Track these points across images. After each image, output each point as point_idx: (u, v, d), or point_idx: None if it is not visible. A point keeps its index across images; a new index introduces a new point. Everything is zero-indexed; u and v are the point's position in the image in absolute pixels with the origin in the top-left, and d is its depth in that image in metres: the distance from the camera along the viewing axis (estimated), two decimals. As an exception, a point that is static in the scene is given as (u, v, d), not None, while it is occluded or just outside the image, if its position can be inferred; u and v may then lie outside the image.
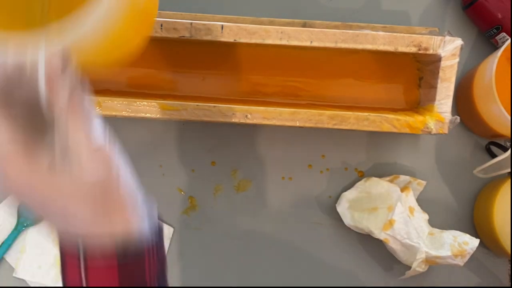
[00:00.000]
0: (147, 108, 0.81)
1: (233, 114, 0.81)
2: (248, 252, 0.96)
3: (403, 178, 0.93)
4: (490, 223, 0.89)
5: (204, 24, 0.79)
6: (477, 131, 0.96)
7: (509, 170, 0.86)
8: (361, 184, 0.93)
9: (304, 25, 0.89)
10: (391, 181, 0.93)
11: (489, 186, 0.95)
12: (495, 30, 0.93)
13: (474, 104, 0.89)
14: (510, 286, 0.95)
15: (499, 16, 0.92)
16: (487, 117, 0.88)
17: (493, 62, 0.82)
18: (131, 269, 0.51)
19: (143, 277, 0.52)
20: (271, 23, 0.89)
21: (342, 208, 0.93)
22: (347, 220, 0.92)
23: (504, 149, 0.92)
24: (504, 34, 0.92)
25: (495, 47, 0.96)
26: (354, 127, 0.82)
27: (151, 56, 0.90)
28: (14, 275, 0.92)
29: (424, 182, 0.93)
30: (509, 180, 0.89)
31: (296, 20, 0.90)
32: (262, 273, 0.96)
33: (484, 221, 0.92)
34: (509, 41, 0.84)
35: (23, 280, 0.92)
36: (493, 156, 0.95)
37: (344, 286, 0.96)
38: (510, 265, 0.95)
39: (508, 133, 0.87)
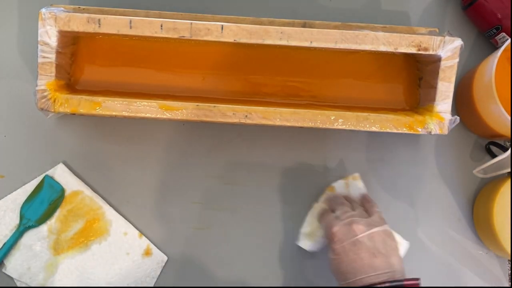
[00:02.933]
0: (147, 108, 0.81)
1: (233, 114, 0.81)
2: (248, 251, 0.96)
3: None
4: (490, 223, 0.89)
5: (204, 24, 0.79)
6: (477, 131, 0.96)
7: (509, 170, 0.86)
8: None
9: (304, 25, 0.89)
10: None
11: (489, 186, 0.95)
12: (495, 30, 0.93)
13: (474, 104, 0.89)
14: (510, 286, 0.95)
15: (499, 16, 0.92)
16: (487, 117, 0.88)
17: (493, 62, 0.82)
18: None
19: None
20: (271, 23, 0.89)
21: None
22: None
23: (504, 149, 0.92)
24: (504, 34, 0.92)
25: (495, 47, 0.96)
26: (354, 127, 0.82)
27: (151, 56, 0.90)
28: (3, 270, 0.92)
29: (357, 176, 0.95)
30: (509, 180, 0.89)
31: (296, 20, 0.89)
32: (262, 272, 0.96)
33: (484, 221, 0.92)
34: (509, 41, 0.84)
35: (11, 278, 0.92)
36: (493, 156, 0.95)
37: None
38: (510, 265, 0.95)
39: (508, 133, 0.87)
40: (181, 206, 0.96)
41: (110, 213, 0.95)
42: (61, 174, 0.95)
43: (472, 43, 0.98)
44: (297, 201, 0.96)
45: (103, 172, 0.96)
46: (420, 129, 0.81)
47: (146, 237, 0.95)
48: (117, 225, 0.95)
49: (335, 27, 0.89)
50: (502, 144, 0.95)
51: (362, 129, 0.81)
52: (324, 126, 0.81)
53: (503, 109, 0.81)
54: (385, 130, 0.81)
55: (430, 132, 0.81)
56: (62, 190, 0.94)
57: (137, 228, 0.95)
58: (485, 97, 0.86)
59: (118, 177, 0.96)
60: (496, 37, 0.94)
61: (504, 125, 0.85)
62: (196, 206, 0.96)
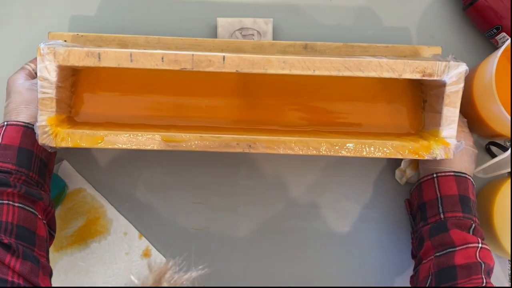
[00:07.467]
0: (150, 141, 0.80)
1: (236, 144, 0.80)
2: (248, 251, 0.98)
3: None
4: (490, 223, 0.91)
5: (206, 56, 0.77)
6: (477, 131, 0.96)
7: (509, 170, 0.88)
8: None
9: (306, 47, 0.87)
10: None
11: (489, 186, 0.96)
12: (495, 30, 0.92)
13: (474, 104, 0.89)
14: (510, 286, 0.97)
15: (499, 16, 0.91)
16: (487, 117, 0.89)
17: (493, 62, 0.82)
18: None
19: None
20: (272, 46, 0.87)
21: None
22: None
23: (504, 149, 0.92)
24: (504, 34, 0.92)
25: (495, 47, 0.95)
26: (359, 155, 0.81)
27: (152, 85, 0.88)
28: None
29: None
30: (509, 180, 0.91)
31: (297, 42, 0.88)
32: (263, 272, 0.98)
33: (484, 221, 0.93)
34: (509, 41, 0.84)
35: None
36: (493, 156, 0.96)
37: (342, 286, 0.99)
38: (510, 265, 0.98)
39: (508, 133, 0.87)
40: (181, 206, 0.97)
41: (111, 212, 0.96)
42: (65, 171, 0.96)
43: (472, 43, 0.97)
44: (298, 201, 0.97)
45: (102, 172, 0.96)
46: (425, 155, 0.81)
47: (145, 237, 0.96)
48: (118, 224, 0.96)
49: (337, 48, 0.87)
50: (502, 144, 0.95)
51: (367, 156, 0.80)
52: (328, 154, 0.81)
53: (503, 109, 0.81)
54: (390, 157, 0.81)
55: (435, 157, 0.81)
56: (65, 186, 0.94)
57: (136, 228, 0.96)
58: (485, 97, 0.86)
59: (118, 177, 0.96)
60: (496, 37, 0.93)
61: (504, 125, 0.86)
62: (196, 206, 0.97)
